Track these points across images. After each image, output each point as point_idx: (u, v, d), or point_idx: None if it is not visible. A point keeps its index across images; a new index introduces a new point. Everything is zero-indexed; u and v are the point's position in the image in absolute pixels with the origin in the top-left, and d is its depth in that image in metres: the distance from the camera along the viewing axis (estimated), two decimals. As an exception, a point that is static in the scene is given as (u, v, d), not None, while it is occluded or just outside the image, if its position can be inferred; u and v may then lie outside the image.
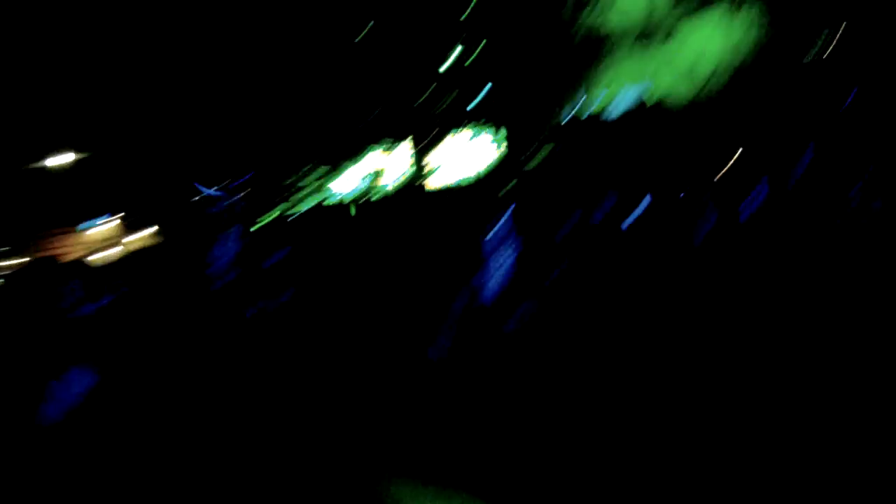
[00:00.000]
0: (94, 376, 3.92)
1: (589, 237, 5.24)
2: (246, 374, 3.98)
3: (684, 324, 4.41)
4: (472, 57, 19.89)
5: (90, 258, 19.83)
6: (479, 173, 19.28)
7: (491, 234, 4.79)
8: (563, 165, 16.51)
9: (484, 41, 19.81)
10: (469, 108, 19.75)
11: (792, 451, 3.83)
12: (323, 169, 21.17)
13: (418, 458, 3.44)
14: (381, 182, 20.85)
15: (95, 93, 19.35)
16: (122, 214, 21.37)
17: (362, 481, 3.66)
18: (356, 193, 20.87)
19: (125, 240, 21.32)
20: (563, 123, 17.48)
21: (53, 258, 18.73)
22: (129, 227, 21.47)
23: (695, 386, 4.15)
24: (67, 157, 20.35)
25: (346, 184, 21.15)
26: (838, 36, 16.02)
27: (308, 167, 21.08)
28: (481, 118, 19.64)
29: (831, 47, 16.02)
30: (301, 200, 20.80)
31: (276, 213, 20.03)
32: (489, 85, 19.47)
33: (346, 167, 21.12)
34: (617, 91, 17.06)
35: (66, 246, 20.58)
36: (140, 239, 21.30)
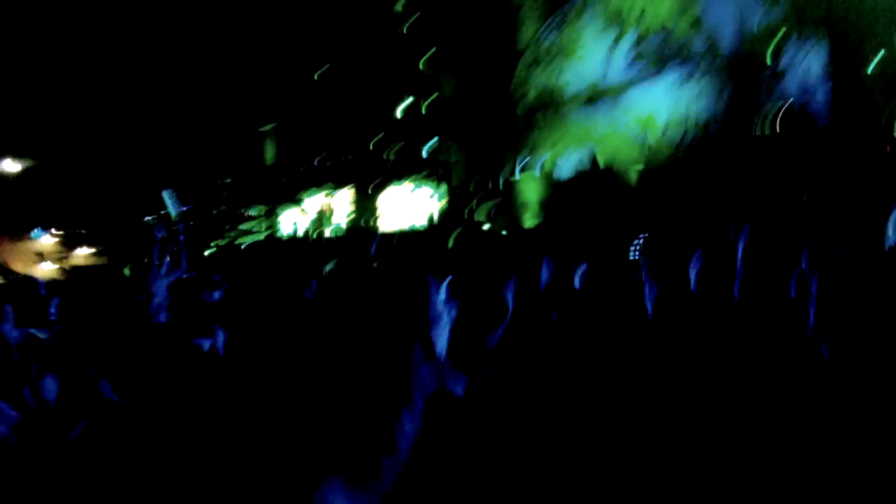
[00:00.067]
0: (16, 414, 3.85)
1: (531, 298, 5.29)
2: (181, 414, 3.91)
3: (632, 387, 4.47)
4: (424, 106, 20.11)
5: (29, 270, 19.50)
6: (420, 225, 19.38)
7: (433, 292, 4.80)
8: (506, 223, 16.72)
9: (435, 94, 20.04)
10: (415, 159, 19.90)
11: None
12: (264, 207, 21.15)
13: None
14: (324, 223, 20.88)
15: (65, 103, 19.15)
16: (64, 230, 21.07)
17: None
18: (298, 231, 20.88)
19: (67, 255, 21.01)
20: (506, 181, 17.68)
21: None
22: (70, 242, 21.17)
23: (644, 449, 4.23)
24: (15, 166, 20.09)
25: (288, 221, 21.13)
26: (783, 111, 16.51)
27: (253, 203, 21.03)
28: (425, 170, 19.78)
29: (778, 120, 16.49)
30: (244, 233, 20.71)
31: (220, 244, 19.92)
32: (435, 138, 19.65)
33: (288, 206, 21.12)
34: (562, 152, 17.35)
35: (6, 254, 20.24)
36: (81, 256, 20.99)
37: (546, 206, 15.74)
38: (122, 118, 19.48)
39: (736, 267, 6.46)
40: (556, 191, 16.01)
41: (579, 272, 6.73)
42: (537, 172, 16.94)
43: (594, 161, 16.62)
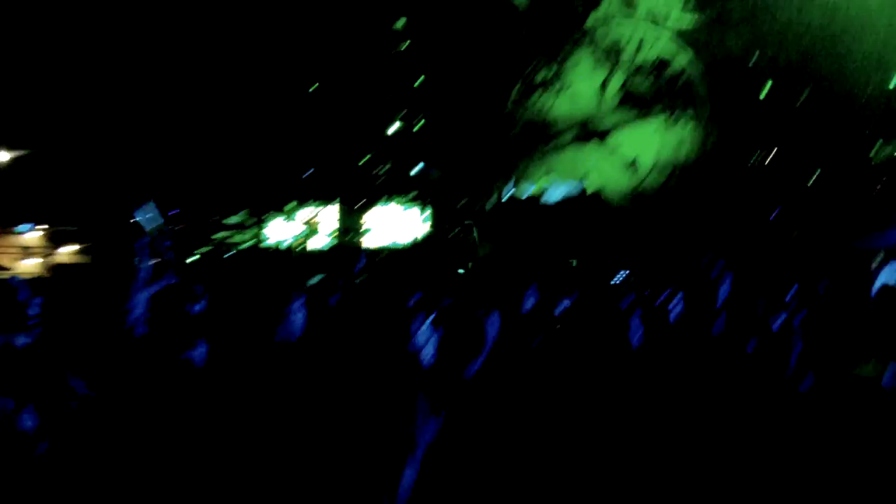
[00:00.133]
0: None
1: (513, 327, 5.28)
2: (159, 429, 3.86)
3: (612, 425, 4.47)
4: (416, 128, 20.19)
5: (13, 266, 19.42)
6: (406, 244, 19.40)
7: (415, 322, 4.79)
8: (489, 248, 16.73)
9: (423, 122, 20.12)
10: (402, 180, 19.94)
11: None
12: (250, 217, 21.12)
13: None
14: (310, 236, 20.86)
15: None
16: (49, 225, 21.00)
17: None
18: (284, 243, 20.84)
19: (51, 252, 20.94)
20: (492, 208, 17.72)
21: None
22: (56, 239, 21.09)
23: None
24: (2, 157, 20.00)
25: (275, 232, 21.11)
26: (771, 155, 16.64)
27: (241, 212, 20.99)
28: (412, 192, 19.82)
29: (768, 160, 16.63)
30: (230, 243, 20.67)
31: (204, 251, 19.86)
32: (421, 164, 19.70)
33: (275, 216, 21.10)
34: (551, 180, 17.43)
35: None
36: (65, 254, 20.91)
37: (532, 232, 15.77)
38: (114, 117, 19.44)
39: (716, 304, 6.49)
40: (542, 218, 16.03)
41: (563, 304, 6.73)
42: (524, 199, 16.98)
43: (582, 190, 16.69)
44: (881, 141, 15.95)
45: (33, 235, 21.14)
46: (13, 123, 19.37)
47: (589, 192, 16.79)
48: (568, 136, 19.71)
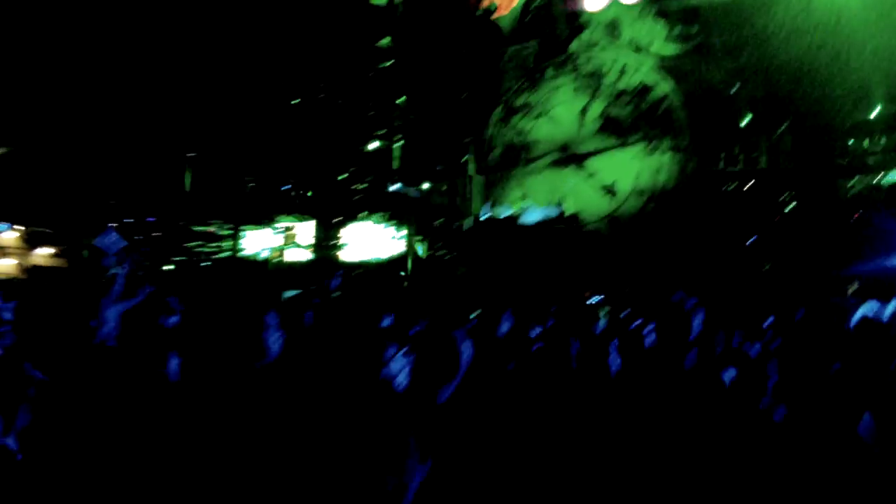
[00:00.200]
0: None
1: (488, 350, 5.26)
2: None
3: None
4: (396, 145, 20.24)
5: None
6: (382, 260, 19.37)
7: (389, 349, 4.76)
8: (466, 269, 16.75)
9: (401, 142, 20.19)
10: (380, 197, 19.95)
11: None
12: (227, 227, 21.05)
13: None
14: (287, 249, 20.80)
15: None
16: (25, 226, 20.83)
17: None
18: (261, 255, 20.78)
19: (28, 252, 20.77)
20: (470, 227, 17.76)
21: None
22: (32, 240, 20.92)
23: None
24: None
25: (252, 244, 21.03)
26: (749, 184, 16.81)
27: (218, 221, 20.90)
28: (389, 209, 19.82)
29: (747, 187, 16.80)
30: (209, 253, 20.58)
31: (179, 260, 19.76)
32: (399, 184, 19.73)
33: (252, 228, 21.03)
34: (529, 203, 17.51)
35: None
36: (41, 255, 20.75)
37: (508, 253, 15.79)
38: (94, 121, 19.35)
39: (690, 335, 6.52)
40: (519, 239, 16.06)
41: (537, 329, 6.74)
42: (501, 219, 17.02)
43: (560, 213, 16.74)
44: (858, 174, 16.18)
45: (10, 236, 20.93)
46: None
47: (566, 215, 16.84)
48: (547, 160, 19.84)
